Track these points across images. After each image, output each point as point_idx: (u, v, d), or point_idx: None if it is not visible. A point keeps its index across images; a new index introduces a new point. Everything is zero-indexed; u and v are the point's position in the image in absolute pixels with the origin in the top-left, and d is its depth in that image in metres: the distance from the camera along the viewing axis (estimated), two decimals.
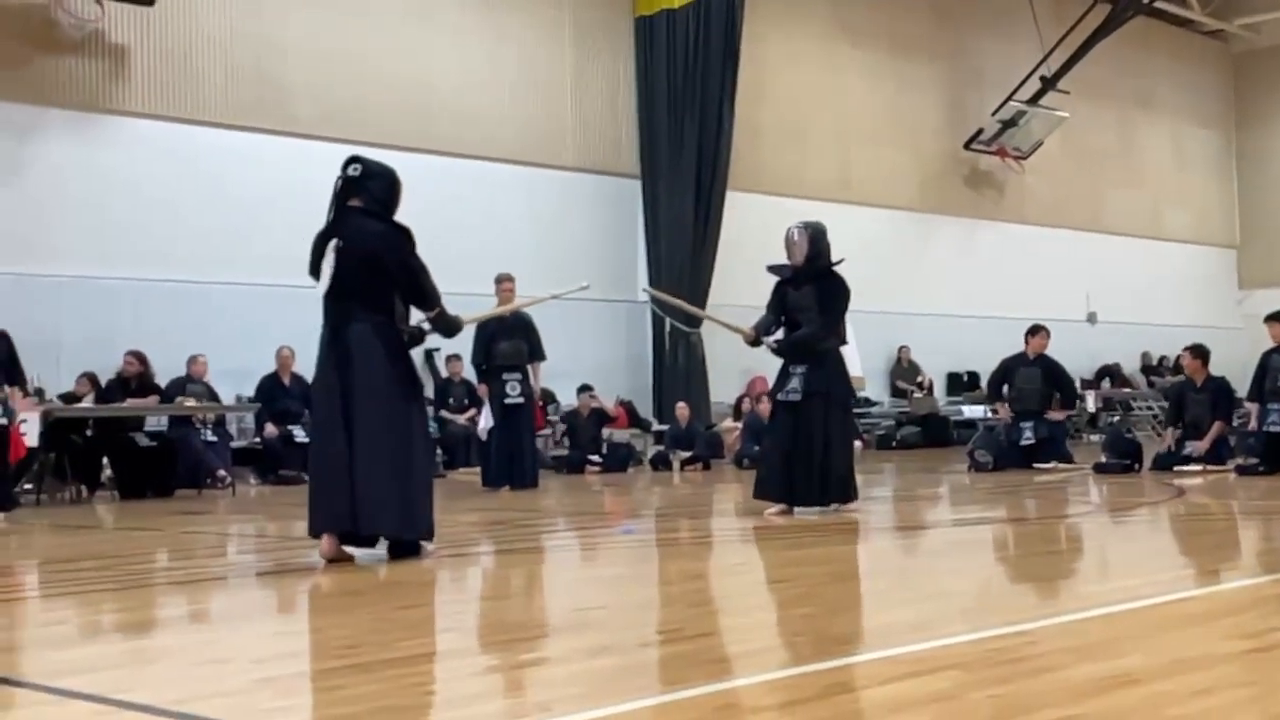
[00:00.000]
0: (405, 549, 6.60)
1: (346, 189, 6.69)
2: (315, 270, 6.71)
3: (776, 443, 8.93)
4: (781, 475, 8.76)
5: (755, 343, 9.26)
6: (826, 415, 8.75)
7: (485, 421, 12.73)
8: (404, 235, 6.66)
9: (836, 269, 9.00)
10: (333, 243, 6.61)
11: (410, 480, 6.55)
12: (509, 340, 12.48)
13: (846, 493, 8.91)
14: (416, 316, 6.95)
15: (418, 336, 6.97)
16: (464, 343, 12.96)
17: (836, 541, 7.66)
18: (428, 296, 6.75)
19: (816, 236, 8.96)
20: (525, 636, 4.52)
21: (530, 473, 12.65)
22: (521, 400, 12.56)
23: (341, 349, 6.58)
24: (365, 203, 6.65)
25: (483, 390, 12.97)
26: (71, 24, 14.35)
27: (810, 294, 8.85)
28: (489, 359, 12.67)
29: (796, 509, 8.73)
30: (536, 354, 12.75)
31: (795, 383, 8.77)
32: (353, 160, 6.76)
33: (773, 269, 9.23)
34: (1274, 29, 27.14)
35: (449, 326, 7.03)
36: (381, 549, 6.65)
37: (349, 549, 6.56)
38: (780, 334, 9.06)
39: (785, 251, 9.04)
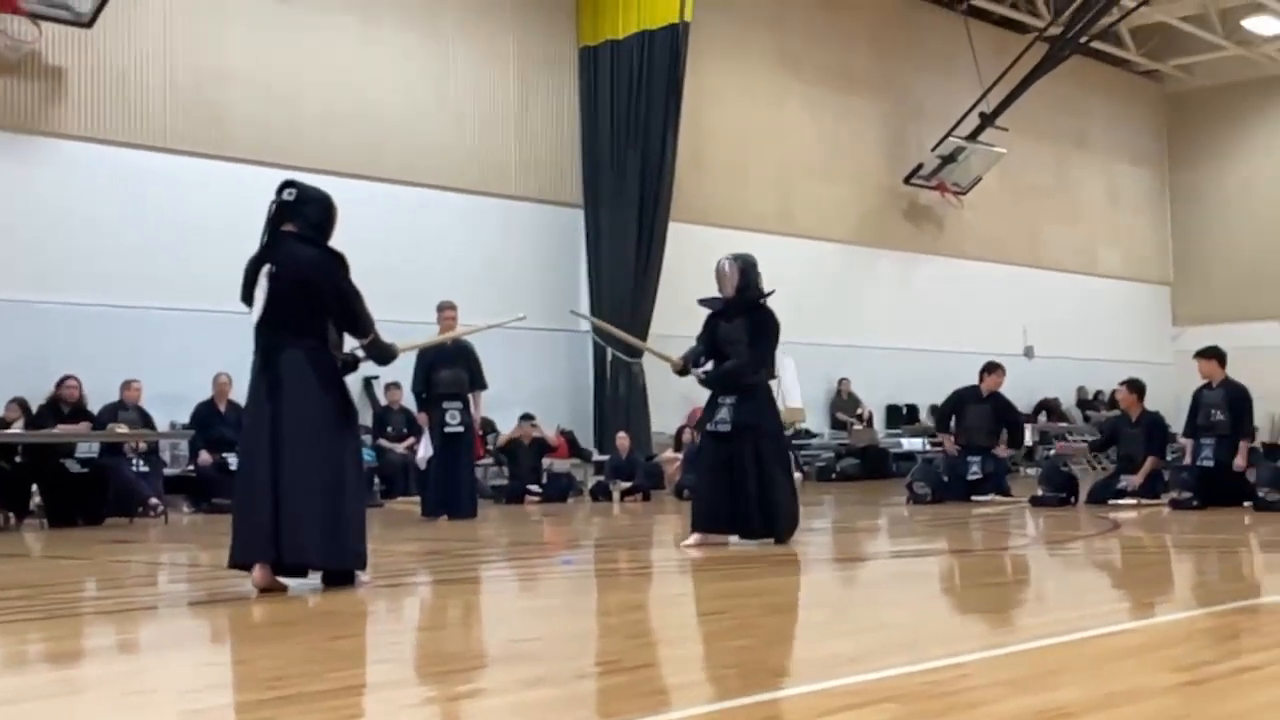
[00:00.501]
0: (339, 579, 6.50)
1: (281, 213, 6.59)
2: (248, 296, 6.60)
3: (710, 475, 8.89)
4: (719, 507, 8.72)
5: (684, 372, 9.24)
6: (758, 447, 8.72)
7: (424, 450, 12.62)
8: (338, 261, 6.56)
9: (767, 302, 8.99)
10: (266, 268, 6.49)
11: (340, 510, 6.42)
12: (450, 369, 12.41)
13: (792, 526, 8.86)
14: (351, 343, 6.85)
15: (351, 364, 6.87)
16: (403, 370, 12.88)
17: (775, 573, 7.65)
18: (361, 323, 6.66)
19: (747, 268, 8.95)
20: (461, 668, 4.46)
21: (468, 502, 12.52)
22: (461, 429, 12.47)
23: (273, 376, 6.46)
24: (300, 228, 6.56)
25: (422, 419, 12.87)
26: (7, 45, 14.17)
27: (741, 327, 8.85)
28: (429, 387, 12.59)
29: (737, 541, 8.70)
30: (477, 383, 12.68)
31: (724, 413, 8.75)
32: (287, 184, 6.66)
33: (704, 302, 9.24)
34: (1207, 70, 27.66)
35: (382, 354, 6.93)
36: (315, 579, 6.55)
37: (282, 579, 6.45)
38: (710, 365, 9.05)
39: (716, 283, 9.05)
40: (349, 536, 6.46)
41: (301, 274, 6.48)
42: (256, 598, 6.29)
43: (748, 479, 8.66)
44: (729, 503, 8.70)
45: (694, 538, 8.72)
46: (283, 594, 6.37)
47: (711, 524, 8.77)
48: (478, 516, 12.51)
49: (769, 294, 9.01)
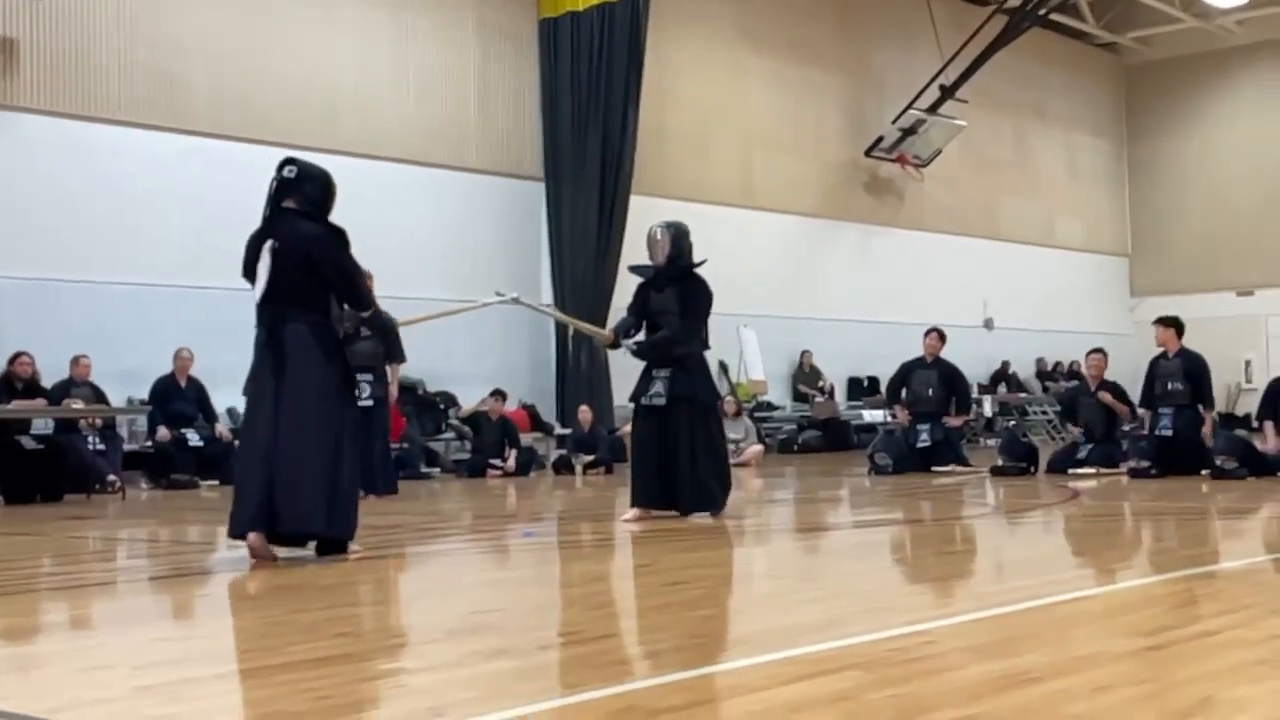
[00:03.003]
0: (333, 546, 6.58)
1: (281, 191, 6.69)
2: (250, 273, 6.70)
3: (644, 449, 8.70)
4: (653, 482, 8.60)
5: (614, 345, 9.11)
6: (692, 421, 8.60)
7: None
8: (338, 236, 6.69)
9: (699, 271, 8.85)
10: (268, 244, 6.59)
11: (337, 480, 6.53)
12: (367, 340, 11.15)
13: (716, 502, 8.66)
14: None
15: (353, 336, 6.92)
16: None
17: (738, 543, 7.65)
18: (361, 297, 6.85)
19: (679, 236, 8.79)
20: (420, 640, 4.43)
21: (386, 479, 11.67)
22: (371, 403, 11.29)
23: (277, 350, 6.56)
24: (300, 204, 6.67)
25: None
26: None
27: (672, 296, 8.70)
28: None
29: (692, 515, 8.59)
30: (394, 355, 11.81)
31: (659, 386, 8.62)
32: (288, 162, 6.78)
33: (634, 269, 9.16)
34: (1165, 42, 27.80)
35: (383, 326, 7.00)
36: (309, 548, 6.60)
37: (276, 548, 6.49)
38: (640, 337, 8.95)
39: (647, 250, 8.96)
40: (345, 506, 6.57)
41: (303, 249, 6.58)
42: (252, 566, 6.29)
43: (680, 453, 8.52)
44: (661, 478, 8.57)
45: (632, 512, 8.64)
46: (271, 564, 6.38)
47: (648, 500, 8.66)
48: (398, 493, 11.80)
49: (700, 263, 8.88)
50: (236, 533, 6.58)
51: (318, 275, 6.62)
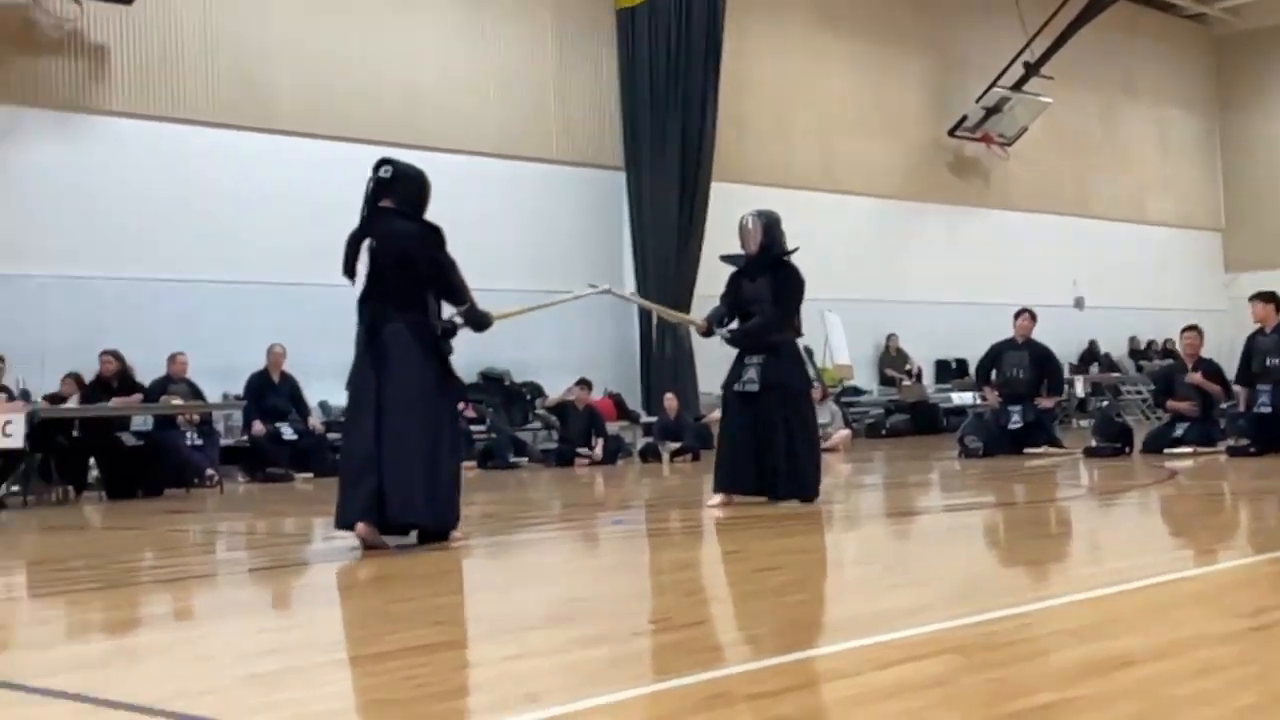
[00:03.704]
0: (433, 535, 6.79)
1: (378, 190, 6.86)
2: (350, 270, 6.88)
3: (735, 436, 8.66)
4: (744, 468, 8.57)
5: (708, 333, 9.09)
6: (785, 408, 8.56)
7: None
8: (435, 234, 6.86)
9: (791, 259, 8.84)
10: (366, 243, 6.76)
11: (438, 473, 6.72)
12: None
13: (812, 488, 8.60)
14: (449, 312, 7.07)
15: (450, 331, 7.12)
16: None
17: (828, 529, 7.63)
18: (458, 293, 6.97)
19: (770, 225, 8.77)
20: (515, 628, 4.48)
21: None
22: None
23: (378, 348, 6.74)
24: (396, 203, 6.83)
25: None
26: (50, 24, 14.26)
27: (764, 285, 8.69)
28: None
29: (782, 502, 8.59)
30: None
31: (752, 373, 8.59)
32: (384, 162, 6.93)
33: (726, 259, 9.14)
34: (1256, 12, 27.16)
35: (479, 321, 7.18)
36: (412, 536, 6.79)
37: (385, 538, 6.69)
38: (734, 325, 8.94)
39: (739, 240, 8.94)
40: (445, 499, 6.78)
41: (400, 248, 6.75)
42: (362, 555, 6.38)
43: (776, 440, 8.50)
44: (755, 464, 8.55)
45: (717, 498, 8.64)
46: (383, 552, 6.55)
47: (735, 485, 8.63)
48: None
49: (793, 251, 8.87)
50: (344, 524, 6.77)
51: (415, 273, 6.76)
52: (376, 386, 6.68)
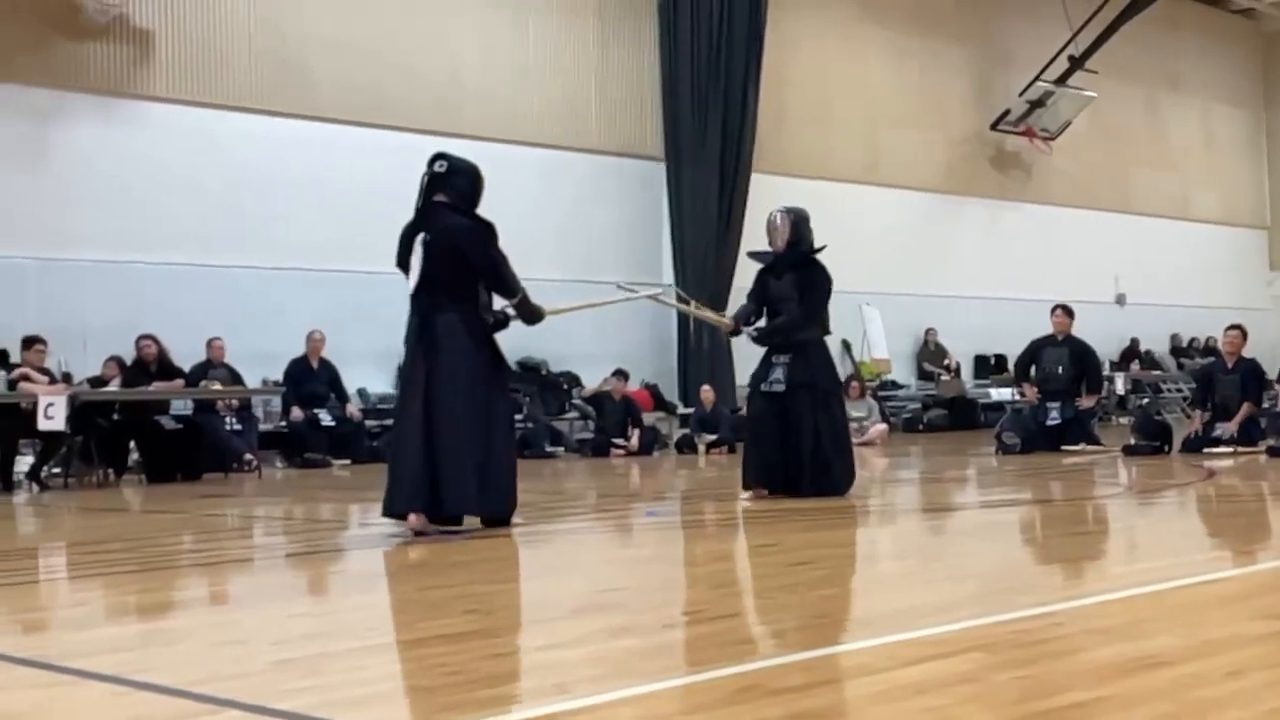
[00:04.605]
0: (496, 522, 6.95)
1: (433, 184, 7.01)
2: (404, 263, 7.05)
3: (763, 433, 8.65)
4: (772, 466, 8.56)
5: (735, 332, 9.09)
6: (814, 405, 8.53)
7: None
8: (487, 229, 7.02)
9: (819, 257, 8.79)
10: (420, 236, 6.91)
11: (490, 464, 6.85)
12: None
13: (838, 488, 8.57)
14: (501, 303, 7.22)
15: (502, 322, 7.25)
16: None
17: (862, 523, 7.62)
18: (509, 286, 7.12)
19: (799, 222, 8.76)
20: (547, 618, 4.50)
21: None
22: None
23: (429, 339, 6.89)
24: (450, 198, 7.00)
25: None
26: (95, 9, 14.37)
27: (791, 283, 8.67)
28: None
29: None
30: None
31: (779, 373, 8.57)
32: (439, 157, 7.10)
33: (754, 255, 9.13)
34: None
35: (531, 314, 7.32)
36: (467, 523, 6.94)
37: (437, 526, 6.81)
38: (761, 323, 8.90)
39: (767, 236, 8.91)
40: (498, 487, 6.94)
41: (453, 242, 6.91)
42: (410, 540, 6.39)
43: (803, 438, 8.47)
44: (782, 462, 8.54)
45: (747, 494, 8.61)
46: (425, 539, 6.62)
47: (763, 481, 8.61)
48: None
49: (821, 249, 8.82)
50: (393, 511, 6.89)
51: (467, 266, 6.92)
52: (427, 376, 6.81)
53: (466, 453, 6.74)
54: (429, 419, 6.74)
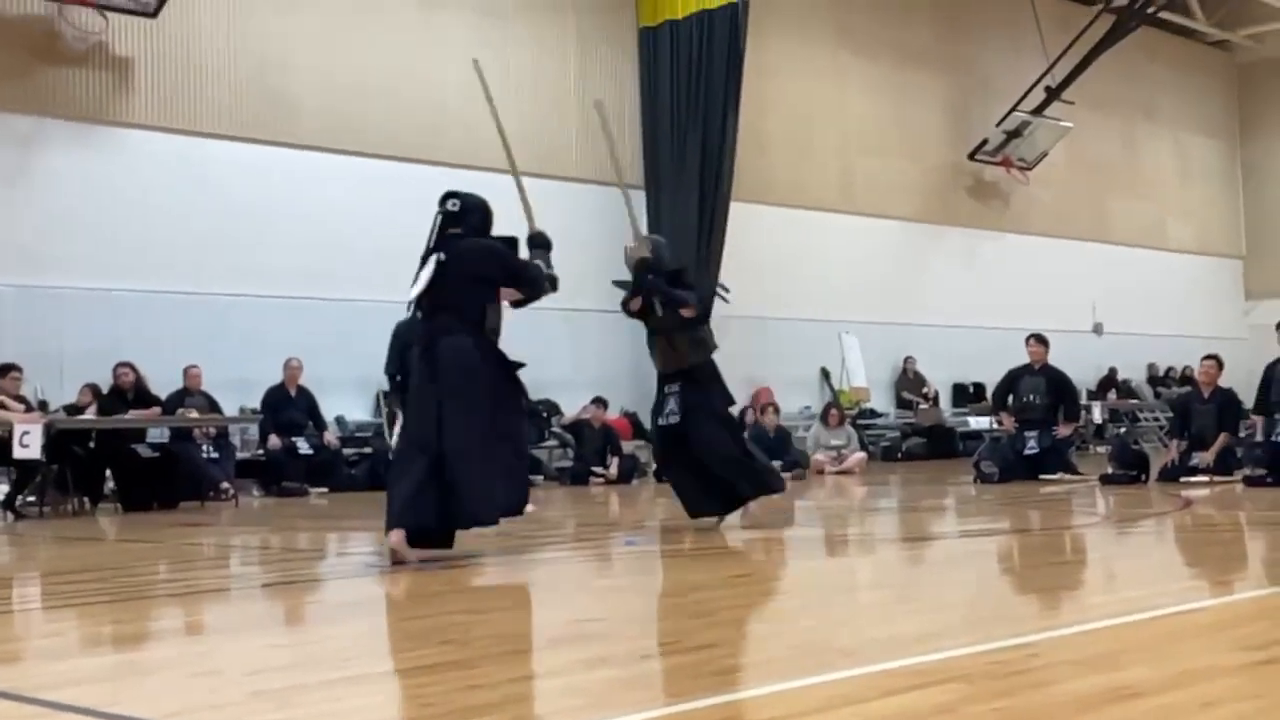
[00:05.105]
0: (510, 514, 7.14)
1: (446, 222, 7.22)
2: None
3: (676, 465, 8.89)
4: (697, 493, 8.77)
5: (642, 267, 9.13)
6: (710, 424, 8.65)
7: (397, 437, 12.32)
8: (506, 244, 7.34)
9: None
10: (435, 256, 7.07)
11: (496, 476, 6.95)
12: None
13: (777, 482, 8.93)
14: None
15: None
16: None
17: (841, 553, 7.62)
18: (539, 286, 7.40)
19: (657, 247, 9.16)
20: (523, 648, 4.48)
21: None
22: None
23: (438, 362, 6.95)
24: (465, 233, 7.20)
25: (396, 403, 12.44)
26: (75, 35, 14.36)
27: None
28: (404, 369, 12.04)
29: (756, 501, 8.70)
30: None
31: (672, 404, 8.71)
32: (450, 196, 7.31)
33: (620, 284, 9.40)
34: (1278, 39, 27.11)
35: (553, 280, 7.57)
36: (466, 543, 7.12)
37: (415, 552, 6.77)
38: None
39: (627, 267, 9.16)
40: (509, 489, 7.08)
41: (471, 266, 7.08)
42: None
43: (716, 454, 8.59)
44: (702, 486, 8.72)
45: (710, 521, 8.76)
46: (402, 568, 6.61)
47: (705, 509, 8.77)
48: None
49: (683, 269, 9.27)
50: (393, 528, 6.88)
51: (481, 285, 7.08)
52: (436, 396, 6.86)
53: (479, 466, 6.84)
54: (440, 439, 6.77)
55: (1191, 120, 27.51)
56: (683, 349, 8.75)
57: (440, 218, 7.18)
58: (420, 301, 7.05)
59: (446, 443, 6.76)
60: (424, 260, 7.11)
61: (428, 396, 6.91)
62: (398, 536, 6.72)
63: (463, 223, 7.17)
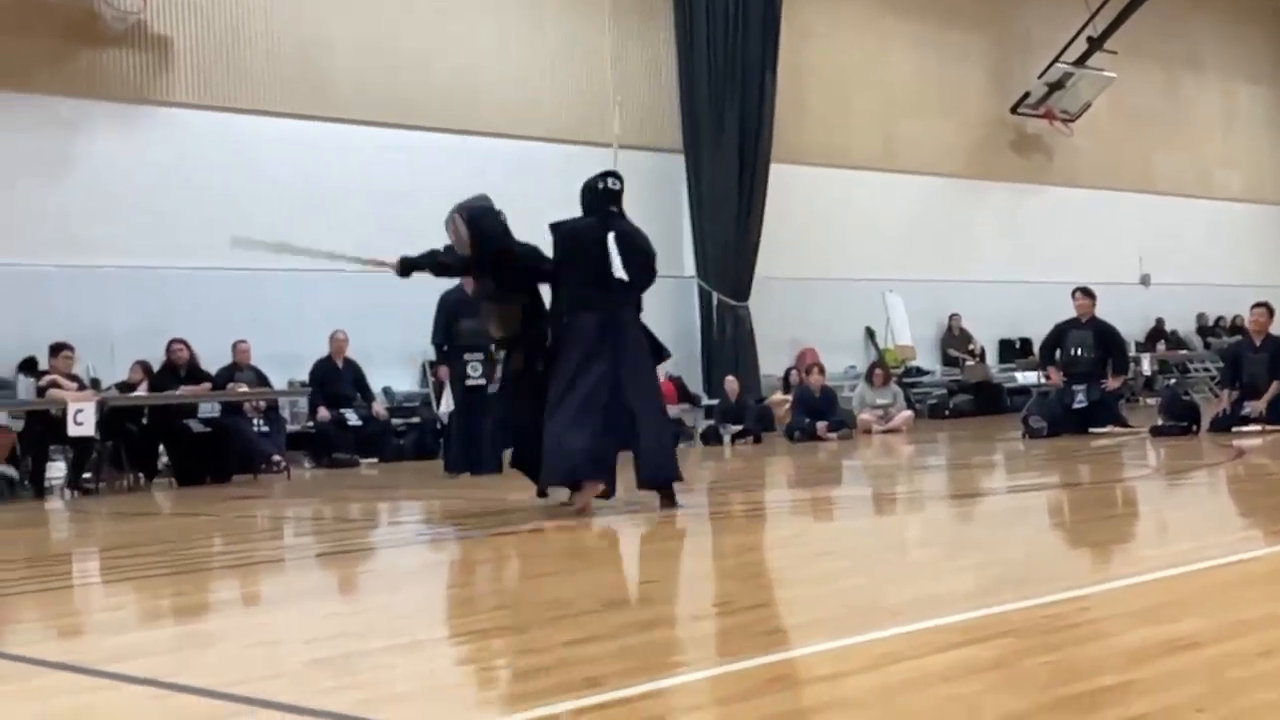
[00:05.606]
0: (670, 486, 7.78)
1: (608, 198, 7.86)
2: (578, 257, 7.68)
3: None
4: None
5: (406, 273, 8.43)
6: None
7: (445, 404, 12.43)
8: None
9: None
10: (611, 235, 7.63)
11: (669, 436, 8.00)
12: (472, 319, 10.81)
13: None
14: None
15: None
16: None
17: (889, 511, 7.62)
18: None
19: (477, 218, 8.25)
20: (575, 612, 4.52)
21: (491, 458, 11.30)
22: (483, 382, 11.57)
23: (624, 333, 7.64)
24: (620, 210, 7.90)
25: (443, 372, 12.36)
26: (114, 16, 14.44)
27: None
28: (450, 339, 11.82)
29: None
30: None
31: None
32: (611, 174, 7.93)
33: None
34: None
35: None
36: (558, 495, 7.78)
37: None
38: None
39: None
40: (674, 455, 7.98)
41: (637, 245, 7.81)
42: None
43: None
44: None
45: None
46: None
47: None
48: (502, 472, 10.73)
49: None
50: (573, 480, 7.66)
51: (649, 268, 7.88)
52: (615, 366, 7.52)
53: (658, 429, 7.67)
54: (621, 404, 7.46)
55: (1236, 66, 27.07)
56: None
57: (603, 190, 7.77)
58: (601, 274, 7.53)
59: (637, 408, 7.50)
60: (587, 232, 7.61)
61: (604, 364, 7.47)
62: (591, 487, 7.49)
63: (620, 200, 7.79)
